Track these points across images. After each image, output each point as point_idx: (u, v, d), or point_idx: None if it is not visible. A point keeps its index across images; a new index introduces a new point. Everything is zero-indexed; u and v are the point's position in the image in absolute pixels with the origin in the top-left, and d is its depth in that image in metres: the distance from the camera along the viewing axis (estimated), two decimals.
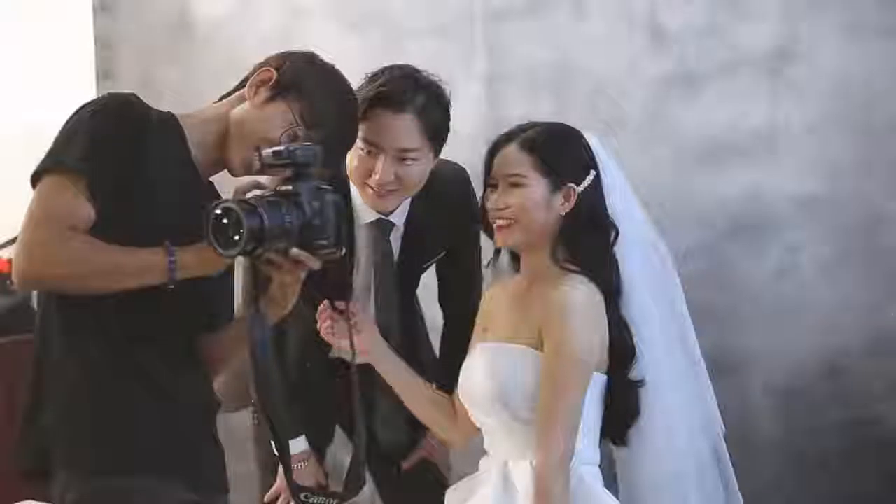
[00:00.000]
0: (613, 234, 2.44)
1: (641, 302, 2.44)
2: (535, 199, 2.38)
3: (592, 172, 2.43)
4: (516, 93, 3.64)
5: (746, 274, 3.43)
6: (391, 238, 2.73)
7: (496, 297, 2.54)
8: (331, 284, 2.61)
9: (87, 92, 4.11)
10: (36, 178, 2.14)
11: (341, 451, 2.64)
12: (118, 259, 2.10)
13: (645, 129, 3.50)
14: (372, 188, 2.58)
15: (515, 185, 2.39)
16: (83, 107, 2.17)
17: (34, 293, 3.23)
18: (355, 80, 2.52)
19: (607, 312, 2.39)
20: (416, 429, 2.81)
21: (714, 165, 3.44)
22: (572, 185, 2.40)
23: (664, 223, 3.44)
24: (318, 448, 2.88)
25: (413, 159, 2.56)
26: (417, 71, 2.63)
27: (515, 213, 2.39)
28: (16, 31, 4.33)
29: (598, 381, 2.38)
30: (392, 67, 2.63)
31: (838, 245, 3.34)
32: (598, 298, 2.38)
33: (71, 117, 2.17)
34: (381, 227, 2.71)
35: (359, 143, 2.53)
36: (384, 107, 2.55)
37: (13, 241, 2.38)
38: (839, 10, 3.29)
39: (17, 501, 3.04)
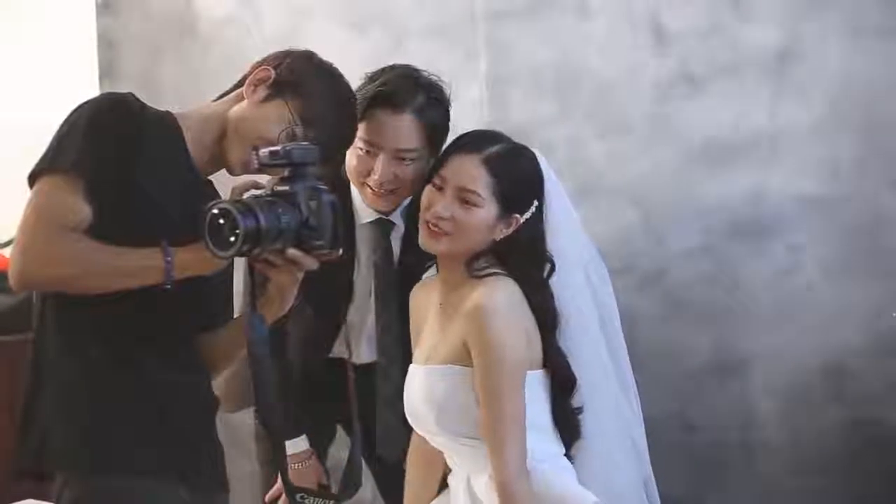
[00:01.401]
0: (549, 267, 2.40)
1: (580, 324, 2.42)
2: (484, 222, 2.35)
3: (535, 203, 2.40)
4: (518, 93, 3.63)
5: (748, 274, 3.41)
6: (391, 238, 2.73)
7: (418, 301, 2.53)
8: (333, 285, 2.61)
9: (90, 91, 4.07)
10: (33, 179, 2.14)
11: (343, 452, 2.63)
12: (115, 259, 2.10)
13: (647, 130, 3.49)
14: (371, 188, 2.58)
15: (468, 201, 2.35)
16: (80, 106, 2.17)
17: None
18: (356, 80, 2.53)
19: (545, 341, 2.35)
20: None
21: (716, 166, 3.42)
22: (517, 214, 2.37)
23: (666, 223, 3.48)
24: (321, 448, 2.88)
25: (412, 159, 2.56)
26: (417, 71, 2.63)
27: (456, 228, 2.35)
28: (17, 31, 4.33)
29: (536, 377, 2.35)
30: (392, 67, 2.64)
31: (840, 246, 3.32)
32: (516, 293, 2.33)
33: (67, 117, 2.17)
34: (382, 226, 2.71)
35: (358, 142, 2.53)
36: (384, 106, 2.55)
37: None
38: (841, 10, 3.27)
39: (16, 501, 3.05)
